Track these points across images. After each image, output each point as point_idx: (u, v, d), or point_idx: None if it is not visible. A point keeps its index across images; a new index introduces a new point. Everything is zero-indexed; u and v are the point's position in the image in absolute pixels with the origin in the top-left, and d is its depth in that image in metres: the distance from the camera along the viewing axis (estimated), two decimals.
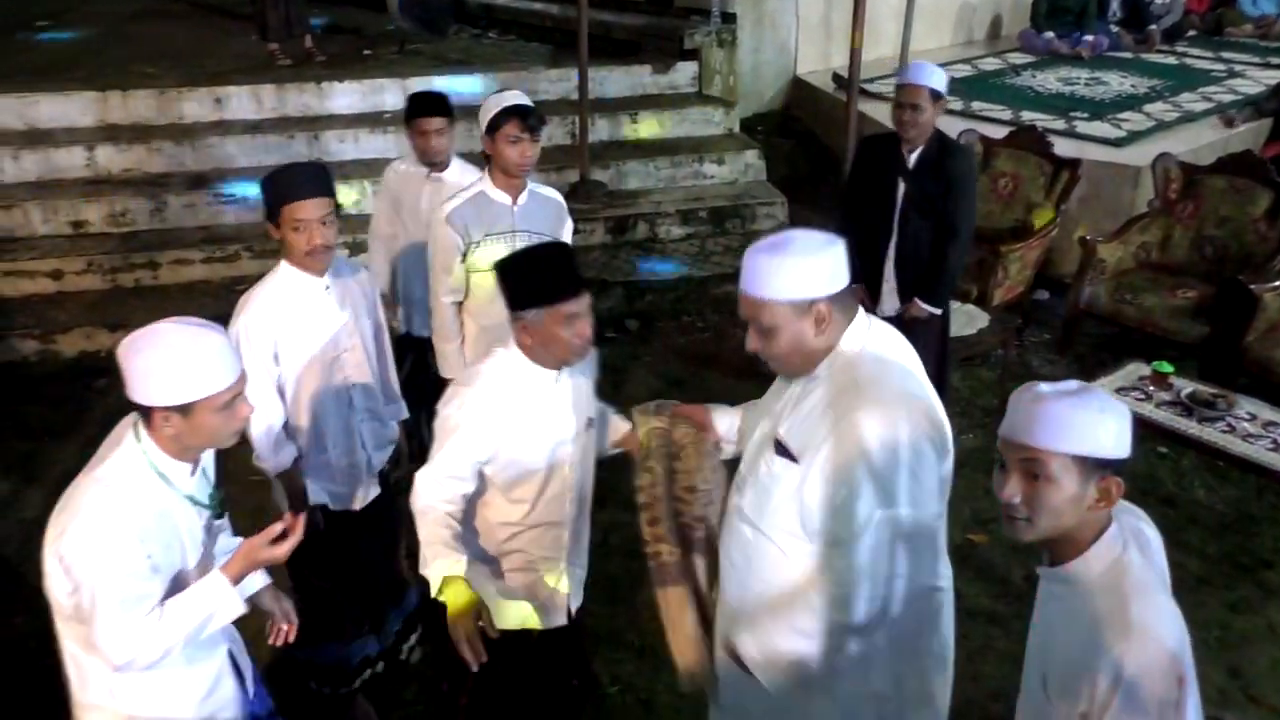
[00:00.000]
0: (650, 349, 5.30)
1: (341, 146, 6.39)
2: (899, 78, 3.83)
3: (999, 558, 3.83)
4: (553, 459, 2.35)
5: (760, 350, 1.98)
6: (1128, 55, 8.37)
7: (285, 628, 2.33)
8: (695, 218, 6.46)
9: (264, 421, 2.73)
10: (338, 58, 7.36)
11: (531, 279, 2.21)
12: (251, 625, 2.29)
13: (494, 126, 3.12)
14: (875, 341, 2.01)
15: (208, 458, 2.15)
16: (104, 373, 5.05)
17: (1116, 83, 7.58)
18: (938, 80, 3.74)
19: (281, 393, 2.78)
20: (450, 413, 2.29)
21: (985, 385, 4.99)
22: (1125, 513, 1.71)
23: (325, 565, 2.93)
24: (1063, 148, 5.70)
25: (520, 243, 3.23)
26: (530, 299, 2.20)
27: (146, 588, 1.93)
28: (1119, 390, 4.08)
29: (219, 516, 2.16)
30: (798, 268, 1.90)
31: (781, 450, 1.99)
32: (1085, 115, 6.73)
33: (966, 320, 4.65)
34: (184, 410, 1.90)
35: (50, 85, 6.49)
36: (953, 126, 6.12)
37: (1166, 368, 4.16)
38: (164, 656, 1.96)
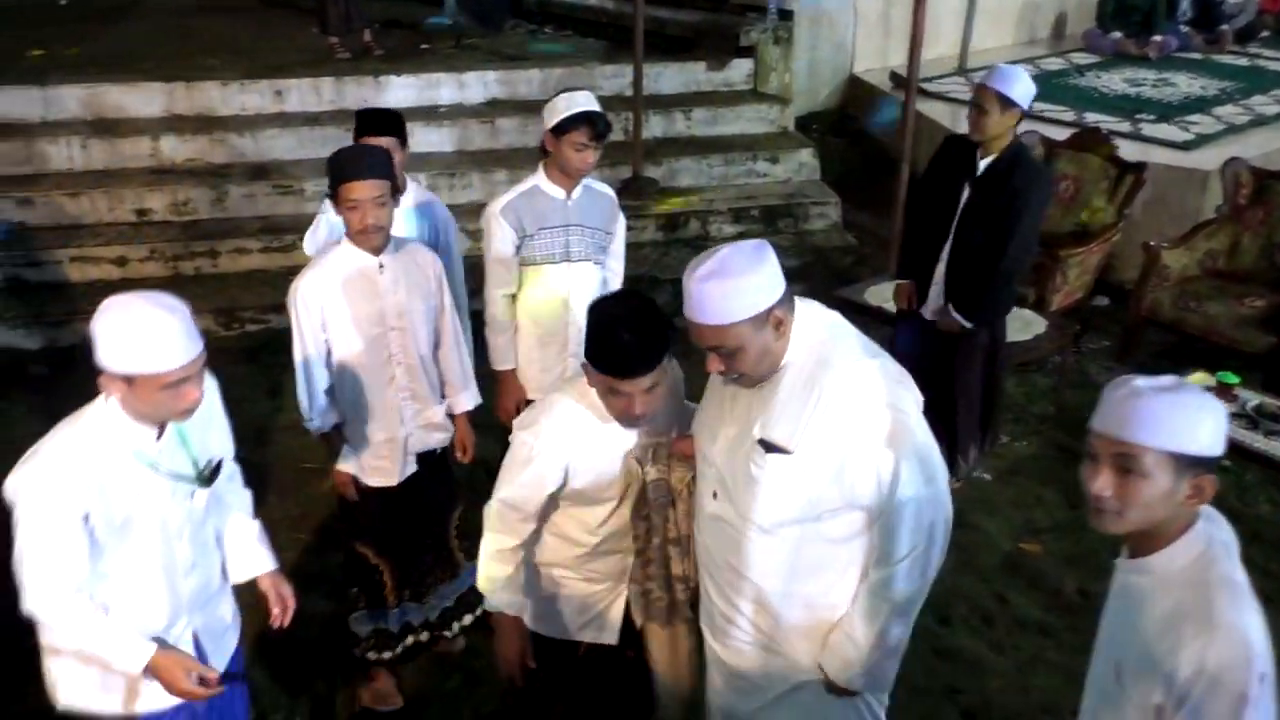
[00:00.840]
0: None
1: None
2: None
3: (1051, 568, 3.75)
4: (624, 492, 2.31)
5: (727, 369, 1.99)
6: (1197, 56, 8.16)
7: (277, 611, 2.39)
8: (747, 216, 6.42)
9: (306, 385, 2.89)
10: (395, 52, 7.44)
11: (596, 335, 2.10)
12: (246, 594, 2.41)
13: (561, 129, 3.12)
14: (815, 317, 2.06)
15: (197, 425, 2.16)
16: None
17: (1185, 84, 7.39)
18: (1013, 87, 3.55)
19: (329, 359, 2.88)
20: (527, 439, 2.25)
21: (1040, 392, 4.89)
22: (1205, 518, 1.68)
23: (363, 533, 3.07)
24: (1127, 150, 5.56)
25: (574, 237, 3.25)
26: (588, 352, 2.13)
27: (71, 546, 1.98)
28: None
29: (205, 484, 2.17)
30: (749, 284, 1.90)
31: (770, 448, 1.99)
32: (1152, 117, 6.57)
33: (1023, 325, 4.56)
34: (128, 380, 1.94)
35: (118, 76, 6.64)
36: None
37: (1231, 379, 4.04)
38: (60, 638, 2.04)
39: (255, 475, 4.17)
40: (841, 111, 7.98)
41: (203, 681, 2.11)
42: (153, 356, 1.92)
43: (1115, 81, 7.48)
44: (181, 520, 2.14)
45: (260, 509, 4.11)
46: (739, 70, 7.28)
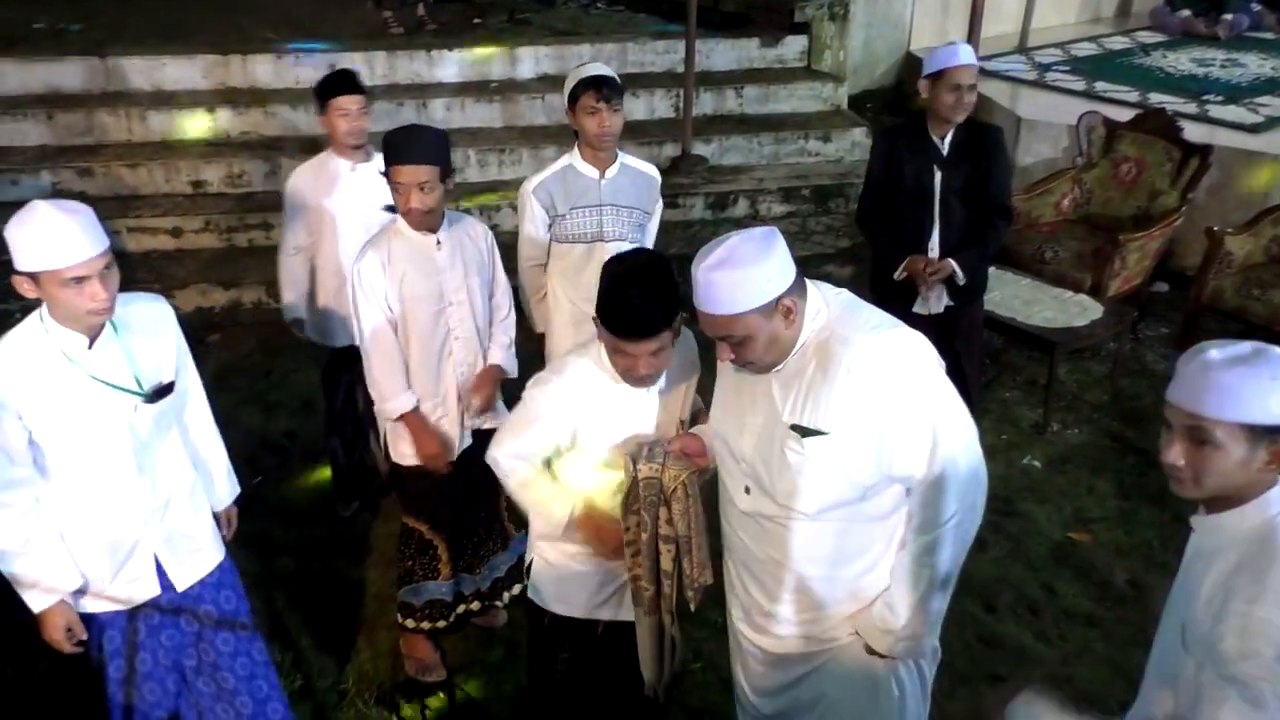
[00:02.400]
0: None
1: (448, 115, 6.48)
2: (945, 61, 3.56)
3: (1101, 559, 3.69)
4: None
5: (736, 358, 1.98)
6: (1269, 36, 7.90)
7: (225, 533, 2.63)
8: (797, 196, 6.35)
9: (384, 366, 2.87)
10: (448, 26, 7.44)
11: (606, 296, 2.11)
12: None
13: (573, 99, 3.14)
14: (827, 296, 2.04)
15: (143, 344, 2.28)
16: (217, 328, 5.27)
17: (1255, 65, 7.15)
18: (976, 58, 3.68)
19: (397, 335, 2.89)
20: (537, 397, 2.29)
21: (1094, 380, 4.79)
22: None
23: (418, 510, 3.09)
24: (1193, 133, 5.39)
25: (608, 216, 3.24)
26: (598, 308, 2.14)
27: (4, 437, 2.13)
28: None
29: (148, 400, 2.27)
30: (758, 274, 1.88)
31: (805, 432, 1.97)
32: (1219, 99, 6.37)
33: (1079, 311, 4.47)
34: (34, 278, 2.08)
35: (177, 49, 6.73)
36: (1074, 108, 5.89)
37: None
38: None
39: (303, 447, 4.28)
40: (897, 90, 7.84)
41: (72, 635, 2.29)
42: (52, 253, 2.05)
43: (1182, 61, 7.26)
44: (123, 431, 2.25)
45: (308, 481, 4.17)
46: (793, 47, 7.18)
